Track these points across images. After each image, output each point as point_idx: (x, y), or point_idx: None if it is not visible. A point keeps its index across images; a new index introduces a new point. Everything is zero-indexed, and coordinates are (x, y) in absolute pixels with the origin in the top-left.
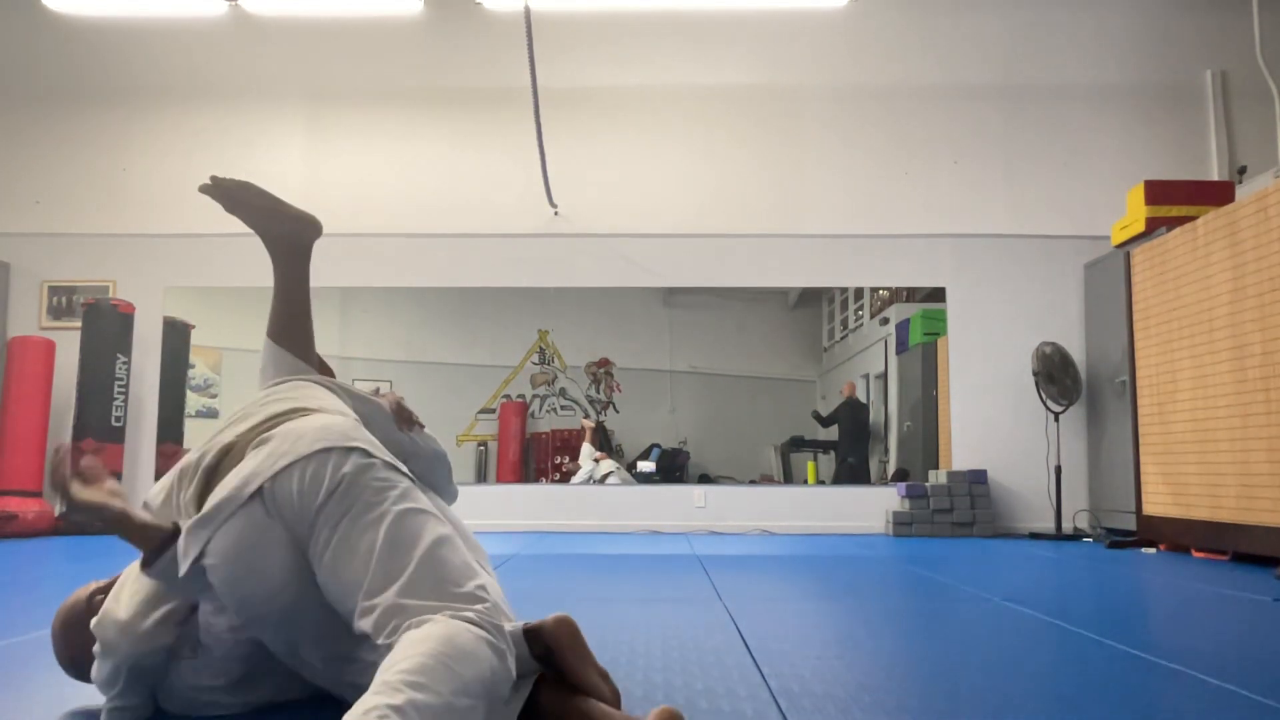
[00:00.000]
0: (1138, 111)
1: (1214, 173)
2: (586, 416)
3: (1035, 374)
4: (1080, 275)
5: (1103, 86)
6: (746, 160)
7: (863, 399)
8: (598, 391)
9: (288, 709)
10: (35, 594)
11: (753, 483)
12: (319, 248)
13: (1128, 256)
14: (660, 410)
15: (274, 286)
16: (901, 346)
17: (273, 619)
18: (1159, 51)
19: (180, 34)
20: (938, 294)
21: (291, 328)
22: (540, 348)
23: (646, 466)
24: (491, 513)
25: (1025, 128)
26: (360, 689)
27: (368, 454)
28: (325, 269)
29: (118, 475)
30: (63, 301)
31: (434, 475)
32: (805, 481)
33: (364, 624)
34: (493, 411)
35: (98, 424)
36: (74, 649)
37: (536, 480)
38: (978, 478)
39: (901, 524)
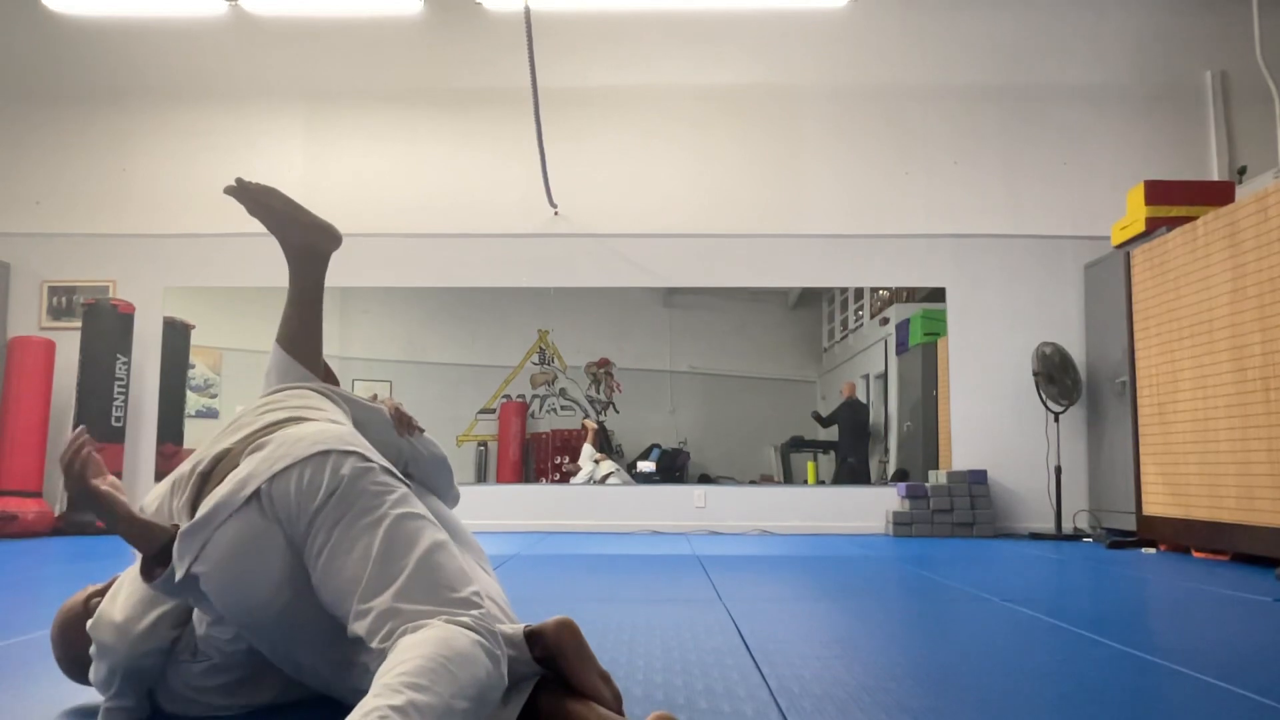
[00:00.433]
0: (1138, 112)
1: (1214, 173)
2: (588, 418)
3: (1035, 374)
4: (1080, 275)
5: (1103, 87)
6: (746, 160)
7: (863, 399)
8: (598, 392)
9: (287, 711)
10: (35, 594)
11: (753, 483)
12: None
13: (1128, 257)
14: (660, 410)
15: (288, 293)
16: (901, 347)
17: (268, 624)
18: (1159, 52)
19: (180, 34)
20: (938, 294)
21: (301, 336)
22: (540, 348)
23: (646, 467)
24: (492, 513)
25: (1025, 128)
26: (359, 693)
27: (365, 458)
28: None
29: (118, 475)
30: (63, 301)
31: (435, 479)
32: (805, 482)
33: (359, 627)
34: (493, 412)
35: (98, 424)
36: (72, 650)
37: (536, 480)
38: (978, 478)
39: (901, 524)
